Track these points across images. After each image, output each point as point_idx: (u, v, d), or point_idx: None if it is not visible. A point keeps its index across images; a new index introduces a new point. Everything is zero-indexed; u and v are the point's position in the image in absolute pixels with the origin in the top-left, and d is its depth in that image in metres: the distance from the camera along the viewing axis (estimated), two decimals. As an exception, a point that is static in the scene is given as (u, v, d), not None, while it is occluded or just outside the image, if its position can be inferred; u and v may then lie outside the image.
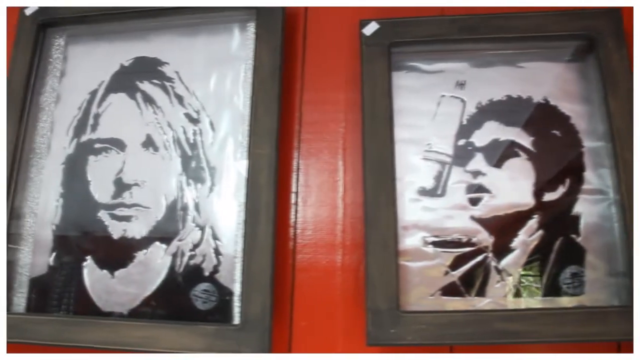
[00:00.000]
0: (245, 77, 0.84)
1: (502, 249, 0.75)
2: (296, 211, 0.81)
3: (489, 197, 0.77)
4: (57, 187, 0.86)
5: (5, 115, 0.85)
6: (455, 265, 0.75)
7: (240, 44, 0.87)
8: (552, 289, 0.74)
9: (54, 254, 0.84)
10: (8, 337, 0.76)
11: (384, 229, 0.73)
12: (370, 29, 0.80)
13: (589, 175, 0.77)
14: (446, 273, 0.75)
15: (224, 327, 0.73)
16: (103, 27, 0.92)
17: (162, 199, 0.83)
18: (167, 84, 0.87)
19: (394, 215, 0.73)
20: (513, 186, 0.77)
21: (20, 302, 0.83)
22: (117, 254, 0.82)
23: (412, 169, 0.79)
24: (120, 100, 0.88)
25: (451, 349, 0.73)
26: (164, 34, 0.90)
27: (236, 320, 0.75)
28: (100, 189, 0.85)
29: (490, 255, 0.75)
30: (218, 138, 0.83)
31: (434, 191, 0.78)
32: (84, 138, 0.88)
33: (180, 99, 0.86)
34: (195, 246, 0.80)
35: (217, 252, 0.79)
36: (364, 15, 0.83)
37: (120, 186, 0.84)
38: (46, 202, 0.86)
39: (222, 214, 0.81)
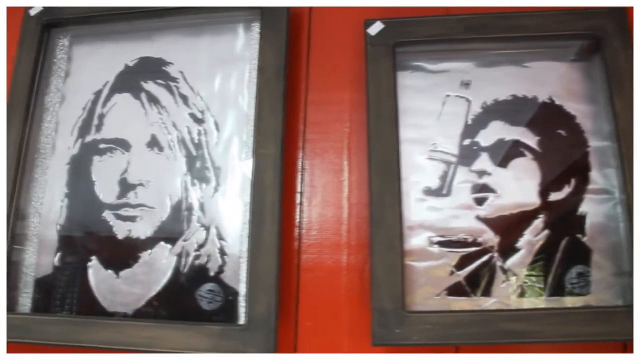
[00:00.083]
0: (250, 77, 0.84)
1: (507, 249, 0.75)
2: (301, 211, 0.81)
3: (494, 196, 0.77)
4: (62, 188, 0.87)
5: (5, 115, 0.85)
6: (460, 265, 0.75)
7: (244, 44, 0.87)
8: (558, 289, 0.74)
9: (58, 254, 0.84)
10: (13, 337, 0.76)
11: (389, 229, 0.73)
12: (375, 28, 0.80)
13: (594, 175, 0.77)
14: (452, 273, 0.75)
15: (229, 327, 0.73)
16: (107, 28, 0.92)
17: (166, 199, 0.83)
18: (172, 84, 0.87)
19: (399, 215, 0.73)
20: (518, 186, 0.77)
21: (26, 302, 0.83)
22: (122, 254, 0.82)
23: (418, 168, 0.79)
24: (124, 100, 0.88)
25: (457, 349, 0.73)
26: (168, 34, 0.90)
27: (241, 320, 0.75)
28: (105, 189, 0.85)
29: (496, 255, 0.75)
30: (223, 138, 0.83)
31: (440, 191, 0.78)
32: (88, 138, 0.88)
33: (184, 99, 0.86)
34: (200, 246, 0.80)
35: (222, 252, 0.79)
36: (369, 15, 0.83)
37: (125, 186, 0.84)
38: (51, 203, 0.86)
39: (227, 214, 0.81)
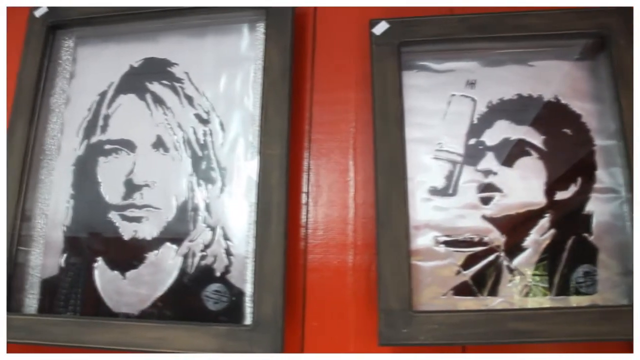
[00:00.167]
0: (255, 78, 0.84)
1: (514, 248, 0.75)
2: (307, 211, 0.81)
3: (500, 196, 0.77)
4: (68, 189, 0.87)
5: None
6: (467, 264, 0.75)
7: (249, 45, 0.87)
8: (564, 288, 0.74)
9: (64, 255, 0.84)
10: (20, 338, 0.76)
11: (395, 228, 0.72)
12: (380, 28, 0.80)
13: (600, 173, 0.77)
14: (458, 272, 0.75)
15: (236, 327, 0.73)
16: (112, 29, 0.92)
17: (172, 200, 0.83)
18: (177, 84, 0.87)
19: (405, 214, 0.73)
20: (524, 185, 0.77)
21: (32, 303, 0.83)
22: (128, 255, 0.82)
23: (423, 168, 0.79)
24: (130, 101, 0.88)
25: (464, 349, 0.73)
26: (173, 35, 0.90)
27: (248, 320, 0.75)
28: (111, 190, 0.85)
29: (502, 254, 0.75)
30: (228, 139, 0.83)
31: (445, 190, 0.78)
32: (94, 139, 0.88)
33: (190, 99, 0.86)
34: (206, 247, 0.80)
35: (228, 253, 0.79)
36: (373, 14, 0.83)
37: (131, 187, 0.84)
38: (57, 204, 0.86)
39: (233, 215, 0.81)
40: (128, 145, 0.86)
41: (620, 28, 0.77)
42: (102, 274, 0.82)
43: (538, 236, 0.75)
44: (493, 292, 0.74)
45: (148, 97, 0.87)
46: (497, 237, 0.76)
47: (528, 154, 0.78)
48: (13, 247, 0.82)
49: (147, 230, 0.82)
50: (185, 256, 0.80)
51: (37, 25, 0.90)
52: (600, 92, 0.79)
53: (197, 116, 0.85)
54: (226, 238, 0.80)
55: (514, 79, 0.81)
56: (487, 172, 0.78)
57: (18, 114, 0.86)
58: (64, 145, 0.89)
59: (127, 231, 0.83)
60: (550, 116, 0.79)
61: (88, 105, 0.89)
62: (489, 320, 0.69)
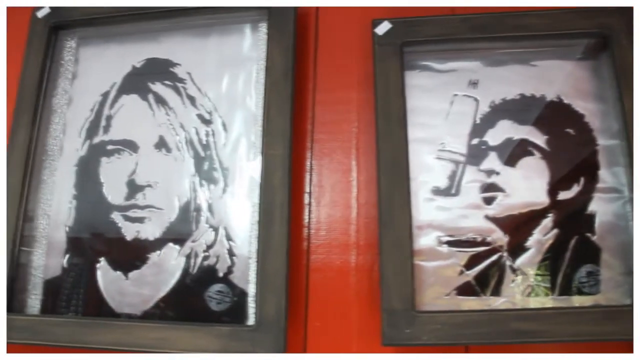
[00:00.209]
0: (258, 78, 0.84)
1: (516, 248, 0.75)
2: (310, 211, 0.81)
3: (503, 196, 0.77)
4: (70, 189, 0.87)
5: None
6: (470, 264, 0.75)
7: (252, 45, 0.87)
8: (567, 288, 0.74)
9: (67, 255, 0.84)
10: (22, 338, 0.76)
11: (398, 228, 0.72)
12: (383, 28, 0.80)
13: (603, 173, 0.76)
14: (461, 272, 0.75)
15: (238, 328, 0.73)
16: (114, 29, 0.92)
17: (175, 200, 0.83)
18: (179, 85, 0.87)
19: (408, 215, 0.73)
20: (527, 185, 0.77)
21: (35, 303, 0.83)
22: (130, 256, 0.82)
23: (426, 168, 0.79)
24: (132, 101, 0.88)
25: (466, 349, 0.73)
26: (175, 35, 0.90)
27: (251, 321, 0.75)
28: (113, 191, 0.85)
29: (505, 254, 0.75)
30: (231, 139, 0.83)
31: (448, 190, 0.78)
32: (96, 140, 0.88)
33: (192, 100, 0.86)
34: (209, 247, 0.80)
35: (231, 253, 0.79)
36: (375, 14, 0.83)
37: (133, 187, 0.84)
38: (59, 204, 0.86)
39: (235, 215, 0.81)
40: (130, 145, 0.86)
41: (622, 27, 0.77)
42: (104, 274, 0.82)
43: (541, 236, 0.75)
44: (496, 292, 0.74)
45: (150, 97, 0.87)
46: (500, 237, 0.76)
47: (531, 153, 0.78)
48: (15, 248, 0.82)
49: (150, 230, 0.82)
50: (188, 257, 0.80)
51: (39, 25, 0.90)
52: (603, 92, 0.79)
53: (200, 116, 0.85)
54: (229, 238, 0.80)
55: (516, 78, 0.81)
56: (490, 172, 0.78)
57: (20, 114, 0.86)
58: (66, 145, 0.89)
59: (129, 232, 0.83)
60: (553, 116, 0.79)
61: (90, 106, 0.89)
62: (491, 320, 0.69)
